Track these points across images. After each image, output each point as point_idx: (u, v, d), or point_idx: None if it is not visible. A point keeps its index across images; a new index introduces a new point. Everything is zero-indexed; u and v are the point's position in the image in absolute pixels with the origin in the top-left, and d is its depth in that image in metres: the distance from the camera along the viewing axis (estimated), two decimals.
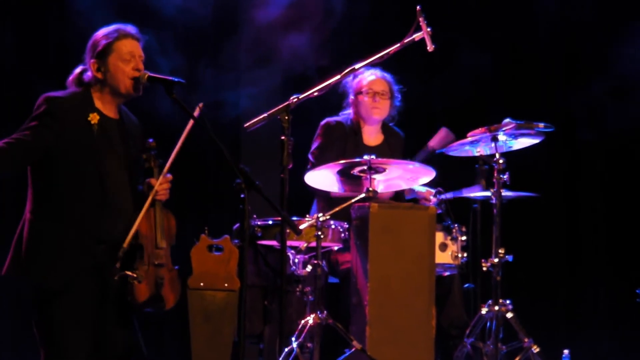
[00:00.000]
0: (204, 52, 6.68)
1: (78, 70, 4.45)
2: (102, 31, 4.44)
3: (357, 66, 5.17)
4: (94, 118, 4.38)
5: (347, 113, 6.06)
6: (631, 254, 7.26)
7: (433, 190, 5.83)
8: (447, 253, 5.65)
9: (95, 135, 4.37)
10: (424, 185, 5.79)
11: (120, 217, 4.33)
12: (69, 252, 4.29)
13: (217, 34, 6.70)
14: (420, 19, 5.13)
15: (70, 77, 4.52)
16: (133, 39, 4.40)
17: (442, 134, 6.02)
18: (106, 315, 4.43)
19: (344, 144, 5.92)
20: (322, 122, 5.98)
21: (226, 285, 5.25)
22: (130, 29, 4.45)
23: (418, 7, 5.14)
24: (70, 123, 4.29)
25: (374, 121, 5.92)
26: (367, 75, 5.99)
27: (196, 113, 4.46)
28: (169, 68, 5.09)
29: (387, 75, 6.01)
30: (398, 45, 5.09)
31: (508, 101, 6.80)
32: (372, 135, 6.01)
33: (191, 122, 4.40)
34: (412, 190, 5.86)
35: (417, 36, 5.08)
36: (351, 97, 6.00)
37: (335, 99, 5.94)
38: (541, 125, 5.52)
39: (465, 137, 5.57)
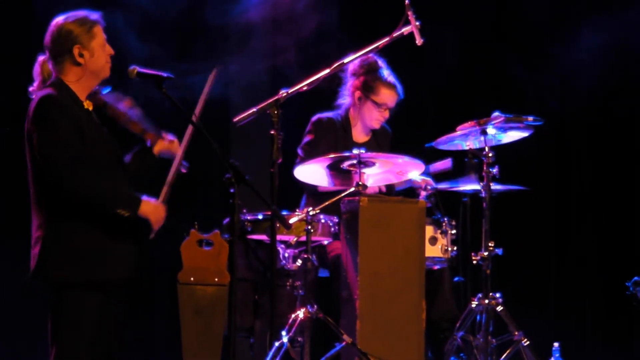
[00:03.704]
0: (191, 47, 6.61)
1: (41, 59, 4.48)
2: (71, 19, 4.49)
3: (346, 60, 5.19)
4: (89, 105, 4.41)
5: (343, 104, 6.00)
6: (620, 246, 7.29)
7: (429, 179, 5.80)
8: (437, 247, 5.66)
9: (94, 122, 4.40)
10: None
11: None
12: (98, 248, 4.32)
13: (204, 30, 6.67)
14: (409, 13, 5.13)
15: (37, 67, 4.50)
16: (101, 24, 4.48)
17: (447, 164, 5.98)
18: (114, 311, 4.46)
19: (334, 140, 5.91)
20: (313, 118, 5.98)
21: (216, 279, 5.29)
22: (98, 15, 4.50)
23: (407, 1, 5.12)
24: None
25: (369, 126, 5.95)
26: (380, 85, 5.90)
27: (212, 77, 4.56)
28: (155, 63, 5.00)
29: (400, 87, 5.97)
30: (387, 39, 5.11)
31: (497, 94, 6.79)
32: (361, 132, 6.02)
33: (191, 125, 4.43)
34: (408, 181, 5.82)
35: (406, 30, 5.10)
36: (356, 95, 5.94)
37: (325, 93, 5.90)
38: (530, 118, 5.49)
39: (454, 130, 5.52)
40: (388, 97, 5.89)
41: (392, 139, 6.12)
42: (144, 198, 4.46)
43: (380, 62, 5.96)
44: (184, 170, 4.67)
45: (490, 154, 5.56)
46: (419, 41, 5.13)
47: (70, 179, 4.28)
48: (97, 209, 4.36)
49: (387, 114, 5.96)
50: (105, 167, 4.41)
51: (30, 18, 6.22)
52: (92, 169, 4.35)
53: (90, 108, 4.48)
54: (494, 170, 5.57)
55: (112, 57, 4.58)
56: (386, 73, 5.92)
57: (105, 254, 4.38)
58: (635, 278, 6.00)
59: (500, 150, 5.70)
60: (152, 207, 4.43)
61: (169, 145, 4.71)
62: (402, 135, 6.15)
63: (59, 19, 4.45)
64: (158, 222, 4.48)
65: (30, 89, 4.45)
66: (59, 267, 4.31)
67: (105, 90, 4.68)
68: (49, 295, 4.36)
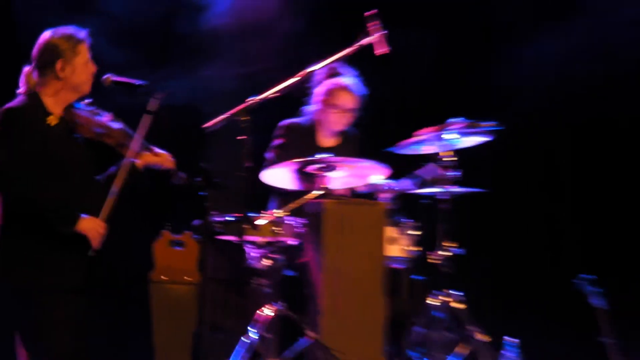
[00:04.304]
0: (164, 54, 6.61)
1: (27, 69, 4.53)
2: (59, 34, 4.57)
3: (312, 68, 5.27)
4: (52, 120, 4.46)
5: (310, 110, 6.03)
6: (575, 245, 7.26)
7: (392, 183, 5.80)
8: (398, 246, 5.71)
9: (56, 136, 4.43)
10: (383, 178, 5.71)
11: (92, 209, 4.41)
12: (57, 252, 4.36)
13: (177, 39, 6.66)
14: (372, 23, 5.23)
15: (23, 77, 4.56)
16: (87, 43, 4.53)
17: (430, 167, 6.00)
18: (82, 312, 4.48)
19: (301, 145, 5.94)
20: (281, 123, 6.02)
21: (187, 278, 5.36)
22: (85, 33, 4.57)
23: (371, 12, 5.22)
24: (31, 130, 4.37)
25: (334, 130, 5.99)
26: (338, 89, 5.98)
27: (154, 106, 4.53)
28: (130, 71, 5.10)
29: (359, 87, 5.98)
30: (352, 48, 5.22)
31: (463, 99, 6.81)
32: (328, 137, 6.08)
33: (147, 119, 4.46)
34: (371, 184, 5.83)
35: (370, 39, 5.19)
36: (319, 100, 5.98)
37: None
38: (490, 124, 5.57)
39: (415, 135, 5.58)
40: (345, 100, 5.94)
41: (359, 140, 6.09)
42: (84, 216, 4.43)
43: (342, 69, 5.97)
44: (178, 181, 4.69)
45: (450, 158, 5.61)
46: (381, 50, 5.20)
47: (16, 190, 4.32)
48: (40, 220, 4.35)
49: (347, 117, 6.01)
50: (65, 179, 4.44)
51: (13, 27, 6.22)
52: (48, 180, 4.37)
53: (54, 122, 4.50)
54: (455, 174, 5.62)
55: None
56: (345, 79, 5.96)
57: (50, 262, 4.39)
58: (582, 275, 6.08)
59: (462, 153, 5.69)
60: (90, 224, 4.44)
61: (156, 158, 4.74)
62: (370, 139, 6.11)
63: (47, 33, 4.55)
64: (96, 238, 4.46)
65: (18, 92, 4.51)
66: (6, 270, 4.34)
67: (83, 103, 4.69)
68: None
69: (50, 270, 4.40)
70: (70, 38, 4.54)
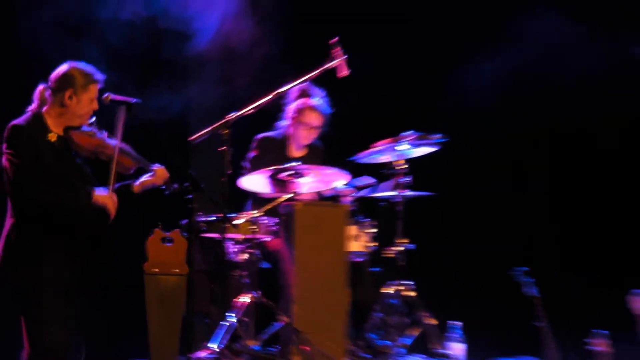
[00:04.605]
0: (155, 75, 6.64)
1: (41, 87, 4.63)
2: (80, 68, 4.65)
3: (284, 88, 5.46)
4: (52, 137, 4.58)
5: (283, 125, 6.14)
6: (510, 241, 7.51)
7: (352, 189, 5.95)
8: (359, 242, 5.88)
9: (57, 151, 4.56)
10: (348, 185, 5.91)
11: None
12: (59, 252, 4.49)
13: (167, 62, 6.80)
14: (336, 49, 5.43)
15: (37, 92, 4.64)
16: (99, 84, 4.67)
17: (370, 180, 6.11)
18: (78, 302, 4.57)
19: (274, 155, 6.04)
20: (258, 136, 6.14)
21: (177, 270, 5.32)
22: (101, 76, 4.69)
23: (333, 40, 5.43)
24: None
25: (302, 143, 6.15)
26: (307, 109, 6.06)
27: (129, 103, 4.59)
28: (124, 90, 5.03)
29: (325, 107, 6.08)
30: (318, 71, 5.43)
31: (415, 114, 6.86)
32: (298, 148, 6.19)
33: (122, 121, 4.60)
34: (335, 189, 5.96)
35: (333, 63, 5.43)
36: (290, 117, 6.08)
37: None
38: (437, 136, 5.76)
39: (373, 146, 5.80)
40: (313, 118, 6.08)
41: (324, 152, 6.24)
42: (96, 189, 4.51)
43: (311, 90, 6.08)
44: (170, 191, 4.78)
45: (403, 166, 5.84)
46: (343, 73, 5.40)
47: (29, 192, 4.43)
48: (57, 211, 4.42)
49: (314, 133, 6.12)
50: (61, 187, 4.52)
51: (15, 47, 6.20)
52: (51, 187, 4.46)
53: (53, 139, 4.57)
54: (407, 179, 5.84)
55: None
56: (314, 99, 6.07)
57: (51, 261, 4.47)
58: (518, 268, 6.28)
59: (412, 162, 5.90)
60: (104, 195, 4.54)
61: (150, 180, 4.78)
62: (334, 150, 6.22)
63: (71, 63, 4.66)
64: (111, 207, 4.54)
65: (29, 108, 4.63)
66: (14, 266, 4.47)
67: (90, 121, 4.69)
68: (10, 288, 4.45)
69: (51, 268, 4.47)
70: (87, 75, 4.63)
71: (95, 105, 4.66)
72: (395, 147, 5.80)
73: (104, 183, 4.61)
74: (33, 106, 4.64)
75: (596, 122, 7.40)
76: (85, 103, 4.62)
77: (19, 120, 4.52)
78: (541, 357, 6.16)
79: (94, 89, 4.67)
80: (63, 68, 4.64)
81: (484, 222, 7.70)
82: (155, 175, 4.77)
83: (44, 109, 4.61)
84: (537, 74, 7.37)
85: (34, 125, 4.55)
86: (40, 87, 4.66)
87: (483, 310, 7.25)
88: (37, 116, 4.58)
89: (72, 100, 4.59)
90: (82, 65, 4.68)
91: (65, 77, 4.64)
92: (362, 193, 6.01)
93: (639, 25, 7.12)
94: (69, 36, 6.00)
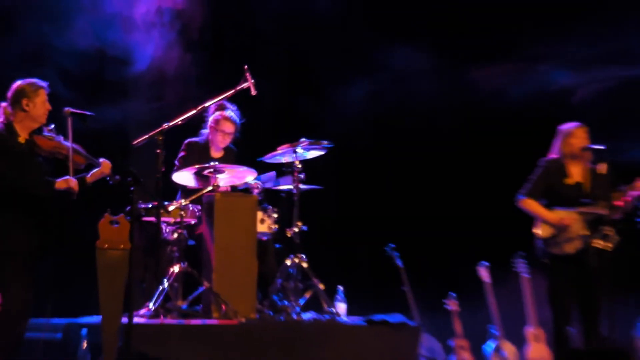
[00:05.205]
0: (100, 93, 6.99)
1: (4, 105, 5.21)
2: (26, 81, 5.16)
3: (206, 105, 5.98)
4: (21, 140, 5.12)
5: (205, 132, 6.51)
6: (386, 222, 7.95)
7: (259, 182, 6.34)
8: (265, 225, 6.34)
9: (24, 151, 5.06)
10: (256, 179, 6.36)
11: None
12: (21, 226, 5.04)
13: (110, 82, 7.15)
14: (247, 74, 5.98)
15: (1, 109, 5.19)
16: (45, 90, 5.23)
17: (272, 175, 6.47)
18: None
19: (198, 156, 6.47)
20: (186, 141, 6.57)
21: (122, 246, 5.38)
22: (44, 83, 5.19)
23: (245, 66, 5.98)
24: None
25: (220, 147, 6.55)
26: (222, 119, 6.33)
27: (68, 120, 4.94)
28: (78, 105, 5.37)
29: (236, 117, 6.40)
30: (232, 91, 6.02)
31: (305, 125, 7.30)
32: (217, 151, 6.62)
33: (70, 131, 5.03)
34: (246, 183, 6.34)
35: (245, 85, 6.01)
36: (210, 125, 6.45)
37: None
38: (325, 142, 6.32)
39: (276, 149, 6.30)
40: (227, 127, 6.47)
41: (236, 154, 6.66)
42: (57, 179, 4.95)
43: (226, 105, 6.45)
44: (113, 181, 5.20)
45: (299, 165, 6.33)
46: (253, 92, 5.98)
47: (6, 180, 4.93)
48: (28, 196, 4.85)
49: (228, 138, 6.46)
50: (28, 175, 5.06)
51: None
52: (18, 173, 4.99)
53: (22, 141, 5.12)
54: (302, 175, 6.32)
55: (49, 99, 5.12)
56: (228, 112, 6.45)
57: (14, 231, 4.96)
58: (391, 244, 6.92)
59: (306, 162, 6.40)
60: (64, 180, 5.00)
61: (98, 172, 5.21)
62: (245, 152, 6.63)
63: (19, 82, 5.21)
64: (75, 186, 5.02)
65: None
66: None
67: (46, 129, 5.19)
68: None
69: (15, 239, 5.01)
70: (33, 84, 5.24)
71: (48, 106, 5.15)
72: (296, 150, 6.31)
73: (61, 177, 5.01)
74: (1, 119, 5.22)
75: (440, 130, 8.01)
76: (39, 105, 5.16)
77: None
78: (406, 315, 6.55)
79: (42, 93, 5.20)
80: (14, 86, 5.21)
81: (361, 209, 8.20)
82: (102, 166, 5.24)
83: (11, 119, 5.19)
84: (397, 94, 7.91)
85: (7, 131, 5.22)
86: (2, 105, 5.24)
87: (361, 278, 7.77)
88: (8, 124, 5.22)
89: (29, 106, 5.17)
90: (27, 80, 5.22)
91: (18, 91, 5.22)
92: (267, 185, 6.39)
93: (478, 58, 7.64)
94: (27, 63, 6.39)
